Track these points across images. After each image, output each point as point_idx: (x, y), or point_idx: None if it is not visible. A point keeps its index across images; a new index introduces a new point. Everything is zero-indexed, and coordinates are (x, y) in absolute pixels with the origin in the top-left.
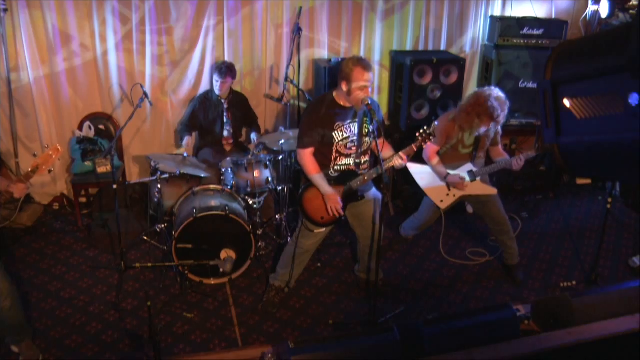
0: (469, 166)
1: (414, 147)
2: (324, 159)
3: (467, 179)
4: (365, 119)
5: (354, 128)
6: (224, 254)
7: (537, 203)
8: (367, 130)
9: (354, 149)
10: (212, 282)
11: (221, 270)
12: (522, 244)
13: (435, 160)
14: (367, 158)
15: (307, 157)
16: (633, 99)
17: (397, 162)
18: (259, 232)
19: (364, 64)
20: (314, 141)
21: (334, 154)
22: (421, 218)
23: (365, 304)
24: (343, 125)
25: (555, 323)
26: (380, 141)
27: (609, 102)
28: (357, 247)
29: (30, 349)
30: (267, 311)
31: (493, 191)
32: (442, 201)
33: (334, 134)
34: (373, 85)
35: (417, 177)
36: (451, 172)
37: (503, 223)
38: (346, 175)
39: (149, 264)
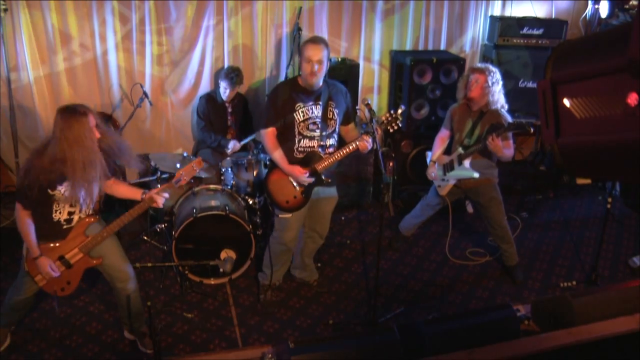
0: (459, 150)
1: (379, 129)
2: (287, 141)
3: (456, 163)
4: (330, 102)
5: (317, 110)
6: (224, 254)
7: (537, 203)
8: (332, 114)
9: (317, 131)
10: (212, 282)
11: (221, 270)
12: (522, 244)
13: (439, 149)
14: (332, 142)
15: (268, 137)
16: (632, 99)
17: (362, 144)
18: (259, 232)
19: (313, 39)
20: (274, 121)
21: (296, 135)
22: (427, 199)
23: (365, 304)
24: (304, 106)
25: (555, 323)
26: (350, 127)
27: (609, 102)
28: (307, 242)
29: (146, 335)
30: (267, 311)
31: (474, 175)
32: (439, 186)
33: (294, 114)
34: (321, 63)
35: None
36: (446, 157)
37: (498, 228)
38: (309, 157)
39: (149, 264)
